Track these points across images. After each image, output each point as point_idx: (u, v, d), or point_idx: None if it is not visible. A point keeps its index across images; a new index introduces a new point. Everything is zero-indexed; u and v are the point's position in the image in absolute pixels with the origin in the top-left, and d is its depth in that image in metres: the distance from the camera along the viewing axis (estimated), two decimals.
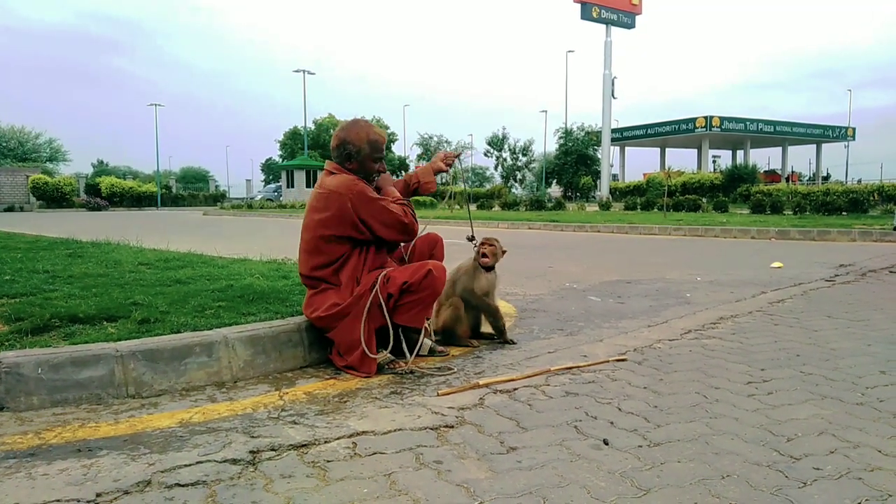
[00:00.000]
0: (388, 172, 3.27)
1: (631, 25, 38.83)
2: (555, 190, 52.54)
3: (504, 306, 4.70)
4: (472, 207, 31.70)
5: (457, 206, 29.89)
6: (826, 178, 50.62)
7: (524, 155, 72.63)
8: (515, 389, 2.67)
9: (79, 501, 1.68)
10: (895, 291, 5.52)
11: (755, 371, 2.95)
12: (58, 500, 1.68)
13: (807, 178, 52.96)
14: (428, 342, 3.22)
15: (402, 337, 2.99)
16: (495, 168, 74.71)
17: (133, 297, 3.66)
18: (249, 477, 1.83)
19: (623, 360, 3.13)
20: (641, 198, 27.50)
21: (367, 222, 2.97)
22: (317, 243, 3.01)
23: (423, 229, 3.34)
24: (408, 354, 2.97)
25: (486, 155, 73.28)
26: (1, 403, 2.37)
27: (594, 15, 36.78)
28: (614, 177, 46.79)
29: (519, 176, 73.31)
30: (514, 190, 63.51)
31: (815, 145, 52.07)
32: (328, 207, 2.97)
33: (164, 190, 50.42)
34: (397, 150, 68.40)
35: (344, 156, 3.08)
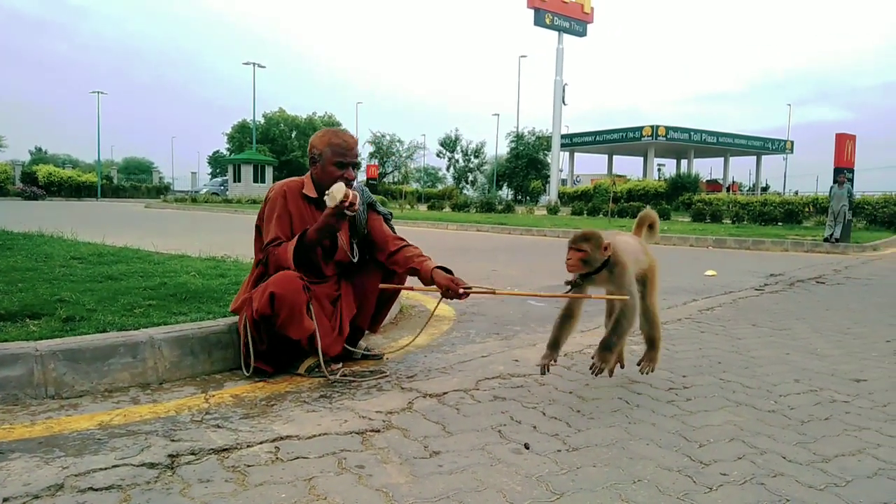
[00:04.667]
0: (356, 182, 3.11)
1: (582, 33, 39.50)
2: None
3: (443, 309, 4.73)
4: (422, 208, 31.72)
5: (407, 206, 29.88)
6: (765, 189, 52.36)
7: (476, 157, 73.18)
8: (445, 393, 2.70)
9: None
10: (819, 302, 5.77)
11: (677, 378, 3.05)
12: None
13: (747, 188, 54.70)
14: (361, 345, 3.23)
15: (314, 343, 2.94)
16: (447, 169, 75.06)
17: (60, 294, 3.55)
18: (166, 481, 1.81)
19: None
20: (588, 203, 28.00)
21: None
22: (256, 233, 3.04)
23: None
24: (318, 361, 2.88)
25: (438, 156, 73.59)
26: None
27: (547, 21, 37.28)
28: (563, 181, 47.45)
29: (471, 178, 73.78)
30: (465, 191, 63.88)
31: (755, 157, 53.84)
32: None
33: (104, 180, 48.92)
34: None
35: (310, 160, 3.06)
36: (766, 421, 2.49)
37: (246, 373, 2.86)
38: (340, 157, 2.97)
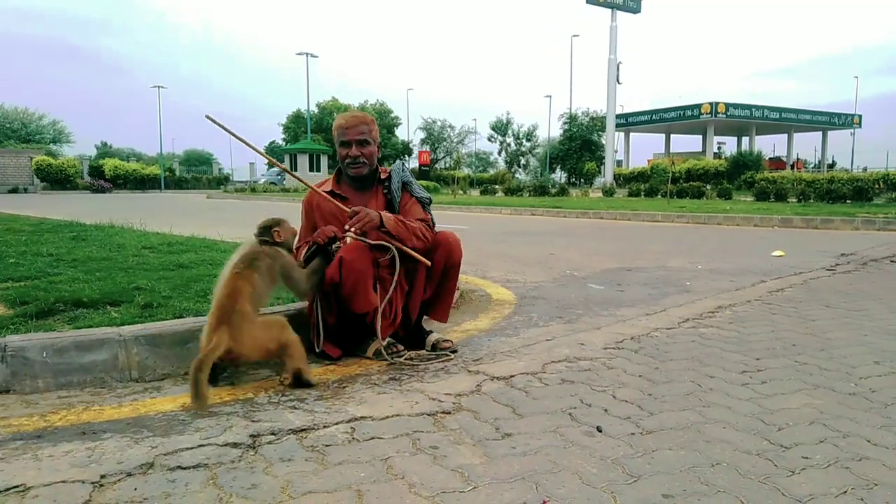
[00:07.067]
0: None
1: (637, 10, 38.50)
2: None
3: (503, 293, 4.74)
4: (475, 193, 31.65)
5: (460, 192, 29.86)
6: (831, 166, 50.28)
7: (528, 140, 72.52)
8: (512, 376, 2.70)
9: (83, 483, 1.72)
10: (895, 281, 5.53)
11: (750, 360, 2.98)
12: (63, 482, 1.73)
13: (812, 165, 52.63)
14: (434, 335, 3.18)
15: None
16: (499, 153, 74.65)
17: (136, 282, 3.70)
18: (250, 460, 1.88)
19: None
20: (645, 184, 27.42)
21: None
22: None
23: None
24: (383, 344, 2.94)
25: (489, 140, 73.20)
26: (7, 386, 2.42)
27: None
28: (618, 163, 46.58)
29: (523, 161, 73.20)
30: (517, 175, 63.44)
31: (820, 132, 51.78)
32: None
33: (167, 172, 50.46)
34: (401, 134, 68.06)
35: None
36: (846, 404, 2.41)
37: (317, 349, 2.93)
38: (342, 136, 3.07)
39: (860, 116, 51.51)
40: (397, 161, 3.22)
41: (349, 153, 3.06)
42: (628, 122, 49.68)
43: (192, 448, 1.95)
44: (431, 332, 3.22)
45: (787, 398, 2.46)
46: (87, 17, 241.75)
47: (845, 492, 1.71)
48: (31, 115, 70.20)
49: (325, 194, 3.03)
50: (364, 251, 2.86)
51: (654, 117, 47.51)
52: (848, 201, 18.09)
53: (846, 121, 50.67)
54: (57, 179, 41.94)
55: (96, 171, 46.12)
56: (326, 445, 1.99)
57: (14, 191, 38.98)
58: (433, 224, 3.20)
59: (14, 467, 1.81)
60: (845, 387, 2.61)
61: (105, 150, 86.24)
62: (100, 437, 2.03)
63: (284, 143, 64.18)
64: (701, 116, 42.71)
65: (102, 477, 1.76)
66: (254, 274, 2.59)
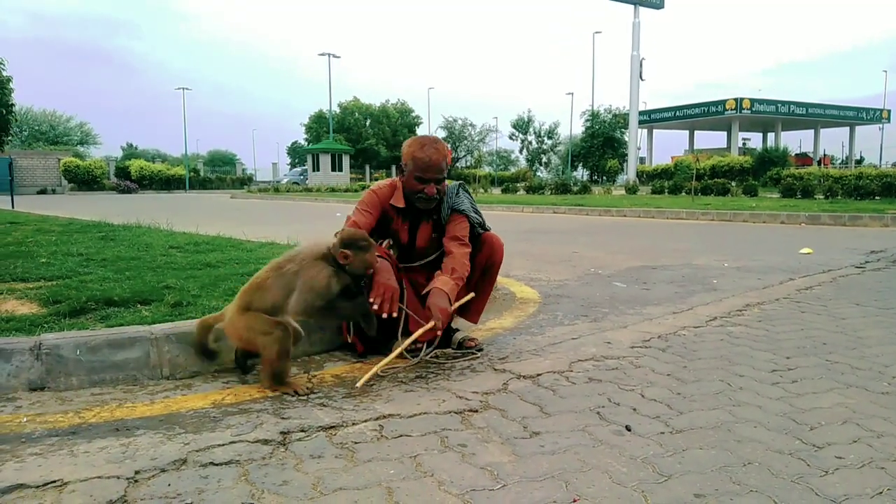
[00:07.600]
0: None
1: (660, 6, 38.13)
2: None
3: (527, 292, 4.72)
4: (496, 191, 31.59)
5: (481, 190, 29.84)
6: (859, 162, 49.53)
7: (550, 138, 72.23)
8: (539, 375, 2.70)
9: (119, 478, 1.75)
10: None
11: (780, 359, 2.94)
12: (99, 477, 1.76)
13: (839, 161, 51.79)
14: (460, 333, 3.20)
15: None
16: (520, 151, 74.49)
17: (165, 281, 3.76)
18: (280, 457, 1.90)
19: None
20: (669, 181, 27.14)
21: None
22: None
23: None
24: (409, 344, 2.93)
25: (510, 138, 73.07)
26: (42, 383, 2.47)
27: None
28: (641, 160, 46.13)
29: (544, 159, 72.94)
30: (539, 173, 63.22)
31: (848, 128, 50.91)
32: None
33: (192, 173, 50.98)
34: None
35: (402, 166, 3.10)
36: (880, 403, 2.37)
37: (348, 340, 2.99)
38: (420, 172, 2.97)
39: (889, 111, 50.59)
40: (453, 183, 3.16)
41: (426, 190, 2.98)
42: (651, 119, 49.24)
43: (223, 444, 1.97)
44: (458, 329, 3.23)
45: (818, 397, 2.43)
46: (114, 20, 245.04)
47: (881, 492, 1.69)
48: (58, 117, 71.56)
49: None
50: (392, 272, 2.85)
51: (677, 114, 47.05)
52: (877, 198, 17.76)
53: (874, 115, 49.80)
54: (84, 180, 42.59)
55: (122, 172, 46.72)
56: (355, 443, 2.00)
57: (43, 192, 39.68)
58: (484, 229, 3.19)
59: (51, 463, 1.85)
60: (878, 386, 2.57)
61: (131, 152, 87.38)
62: (133, 434, 2.06)
63: (307, 144, 64.60)
64: (725, 112, 42.23)
65: (137, 473, 1.79)
66: (273, 273, 2.59)
